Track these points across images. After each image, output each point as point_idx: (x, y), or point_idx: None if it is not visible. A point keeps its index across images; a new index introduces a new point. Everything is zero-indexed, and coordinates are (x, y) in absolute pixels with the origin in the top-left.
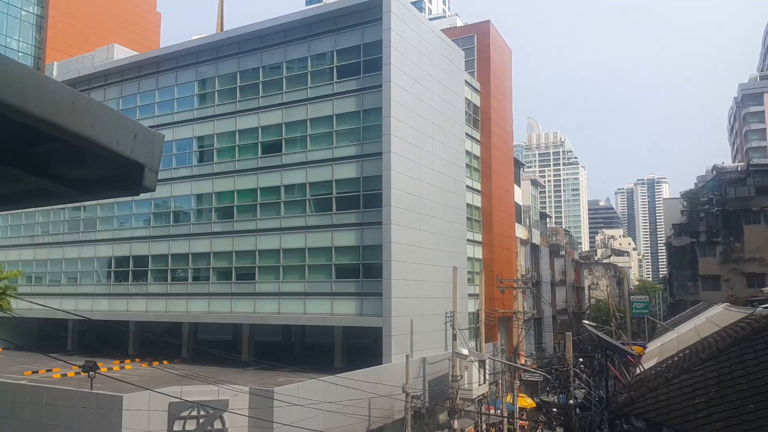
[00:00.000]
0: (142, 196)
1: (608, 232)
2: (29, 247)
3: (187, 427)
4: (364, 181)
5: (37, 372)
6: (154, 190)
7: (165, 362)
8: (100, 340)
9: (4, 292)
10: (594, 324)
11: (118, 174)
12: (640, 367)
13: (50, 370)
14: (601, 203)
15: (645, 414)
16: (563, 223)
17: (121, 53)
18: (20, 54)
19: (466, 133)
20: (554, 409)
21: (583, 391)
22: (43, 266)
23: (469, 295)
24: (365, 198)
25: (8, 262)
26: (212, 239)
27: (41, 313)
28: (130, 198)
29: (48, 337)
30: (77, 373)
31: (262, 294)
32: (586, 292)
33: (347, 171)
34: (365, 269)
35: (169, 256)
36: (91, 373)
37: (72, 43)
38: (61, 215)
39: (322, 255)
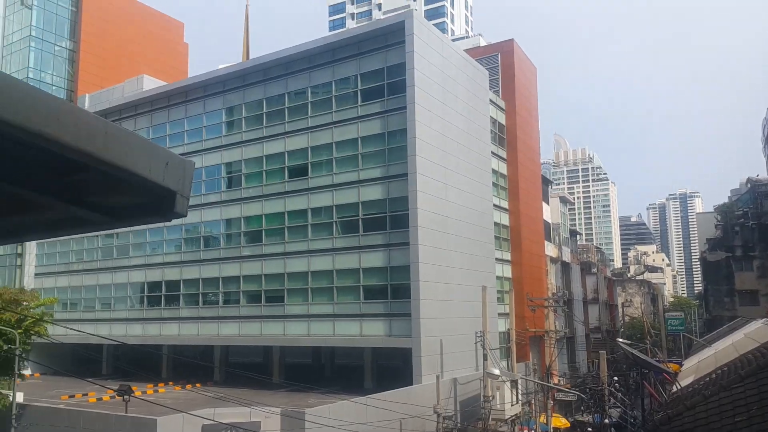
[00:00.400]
0: (173, 222)
1: (641, 248)
2: (64, 274)
3: None
4: (390, 203)
5: (73, 396)
6: (185, 216)
7: (198, 385)
8: (134, 364)
9: (40, 319)
10: (628, 342)
11: (151, 201)
12: (677, 384)
13: (86, 394)
14: (633, 219)
15: None
16: (594, 240)
17: (151, 84)
18: (54, 87)
19: (492, 152)
20: (589, 429)
21: (618, 410)
22: (77, 293)
23: (499, 314)
24: (392, 219)
25: (44, 289)
26: (242, 263)
27: (76, 338)
28: (161, 224)
29: (83, 361)
30: (112, 397)
31: (292, 316)
32: (620, 309)
33: (373, 193)
34: (393, 290)
35: (200, 281)
36: (125, 396)
37: (103, 75)
38: (95, 242)
39: (350, 276)
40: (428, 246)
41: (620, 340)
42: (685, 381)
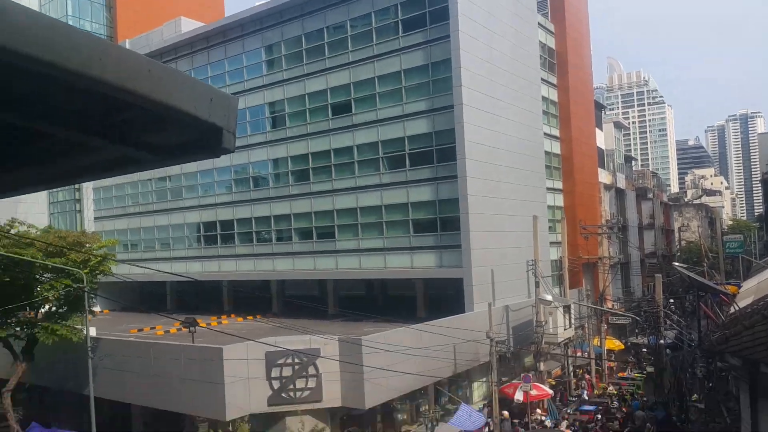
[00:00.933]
0: (222, 163)
1: (698, 171)
2: (122, 217)
3: (284, 374)
4: (436, 136)
5: (141, 330)
6: (233, 152)
7: (258, 316)
8: (196, 299)
9: (104, 259)
10: (685, 266)
11: (198, 138)
12: (735, 306)
13: (153, 328)
14: (690, 142)
15: (741, 351)
16: (650, 165)
17: (189, 25)
18: (94, 34)
19: (542, 79)
20: (644, 350)
21: (673, 332)
22: (136, 234)
23: (551, 243)
24: (438, 152)
25: (104, 231)
26: (291, 201)
27: (140, 276)
28: (211, 166)
29: (148, 298)
30: (179, 330)
31: (343, 251)
32: (676, 234)
33: (419, 126)
34: (443, 223)
35: (253, 220)
36: (191, 328)
37: (140, 19)
38: (149, 186)
39: (399, 211)
40: (477, 178)
41: (676, 263)
42: (743, 302)
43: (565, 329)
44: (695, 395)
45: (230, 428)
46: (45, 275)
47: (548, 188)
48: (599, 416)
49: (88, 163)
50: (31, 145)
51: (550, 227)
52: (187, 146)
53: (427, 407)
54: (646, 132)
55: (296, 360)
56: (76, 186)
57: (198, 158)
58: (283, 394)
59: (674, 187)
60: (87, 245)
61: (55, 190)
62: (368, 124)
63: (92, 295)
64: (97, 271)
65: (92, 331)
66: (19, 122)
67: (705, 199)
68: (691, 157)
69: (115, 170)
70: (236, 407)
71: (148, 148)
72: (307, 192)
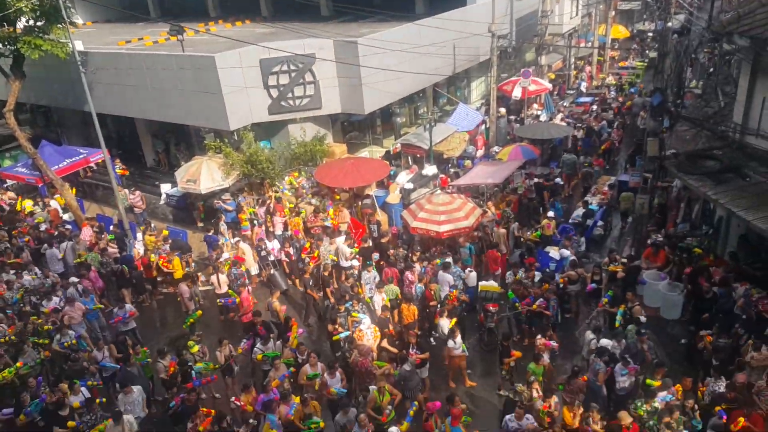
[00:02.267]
0: None
1: None
2: None
3: (281, 82)
4: None
5: (129, 41)
6: None
7: (248, 21)
8: (179, 5)
9: None
10: None
11: None
12: None
13: (141, 39)
14: None
15: (751, 31)
16: None
17: None
18: None
19: None
20: (650, 34)
21: (683, 15)
22: None
23: None
24: None
25: None
26: None
27: None
28: None
29: (129, 7)
30: (167, 39)
31: None
32: None
33: None
34: None
35: None
36: (180, 36)
37: None
38: None
39: None
40: None
41: None
42: None
43: (571, 18)
44: (694, 82)
45: (235, 137)
46: None
47: None
48: (594, 107)
49: None
50: None
51: None
52: None
53: (425, 109)
54: None
55: (292, 67)
56: None
57: None
58: (282, 103)
59: None
60: None
61: None
62: None
63: (69, 5)
64: None
65: (79, 45)
66: None
67: None
68: None
69: None
70: (238, 117)
71: None
72: None
